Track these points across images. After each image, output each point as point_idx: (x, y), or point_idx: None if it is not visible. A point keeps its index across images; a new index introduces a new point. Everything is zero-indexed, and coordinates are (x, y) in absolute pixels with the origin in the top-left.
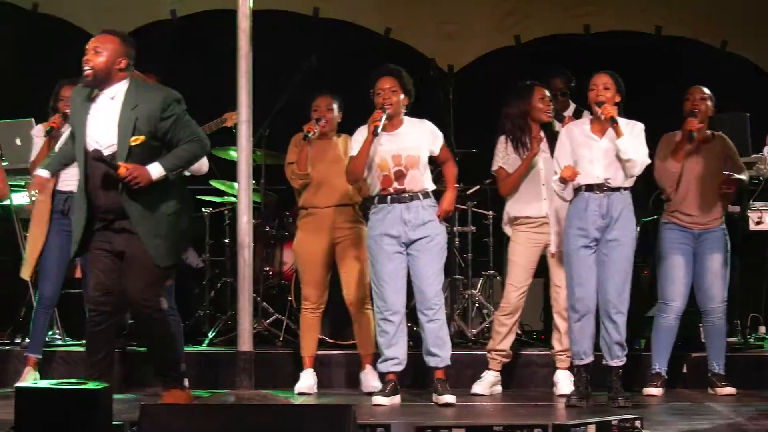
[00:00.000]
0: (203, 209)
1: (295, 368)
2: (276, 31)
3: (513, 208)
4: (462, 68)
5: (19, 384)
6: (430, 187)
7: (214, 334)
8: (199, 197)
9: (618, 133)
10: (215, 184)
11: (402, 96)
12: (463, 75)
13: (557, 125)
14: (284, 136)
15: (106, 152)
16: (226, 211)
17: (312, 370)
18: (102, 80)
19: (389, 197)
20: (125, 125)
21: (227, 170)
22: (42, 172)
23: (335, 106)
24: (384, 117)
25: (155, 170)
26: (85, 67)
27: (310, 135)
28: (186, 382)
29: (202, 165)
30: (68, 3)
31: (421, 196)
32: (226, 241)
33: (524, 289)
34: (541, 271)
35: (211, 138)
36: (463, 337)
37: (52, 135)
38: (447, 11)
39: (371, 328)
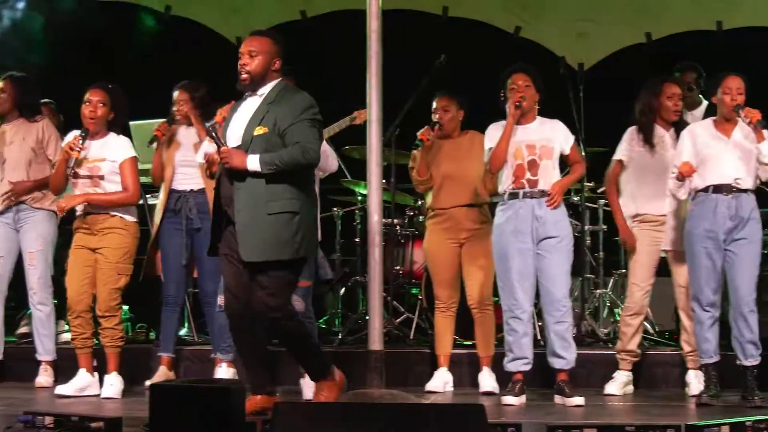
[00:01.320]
0: (334, 209)
1: (425, 367)
2: (405, 31)
3: (633, 205)
4: (592, 66)
5: (151, 381)
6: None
7: (345, 333)
8: (330, 197)
9: (760, 138)
10: (346, 183)
11: (534, 92)
12: (593, 73)
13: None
14: (414, 136)
15: (236, 142)
16: (356, 211)
17: (446, 368)
18: (258, 83)
19: (521, 192)
20: (256, 116)
21: (358, 170)
22: None
23: (454, 106)
24: (524, 97)
25: (252, 161)
26: (242, 72)
27: (420, 144)
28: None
29: (330, 164)
30: (198, 4)
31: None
32: (357, 240)
33: (648, 288)
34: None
35: (340, 137)
36: (595, 337)
37: (159, 142)
38: (577, 9)
39: (492, 329)
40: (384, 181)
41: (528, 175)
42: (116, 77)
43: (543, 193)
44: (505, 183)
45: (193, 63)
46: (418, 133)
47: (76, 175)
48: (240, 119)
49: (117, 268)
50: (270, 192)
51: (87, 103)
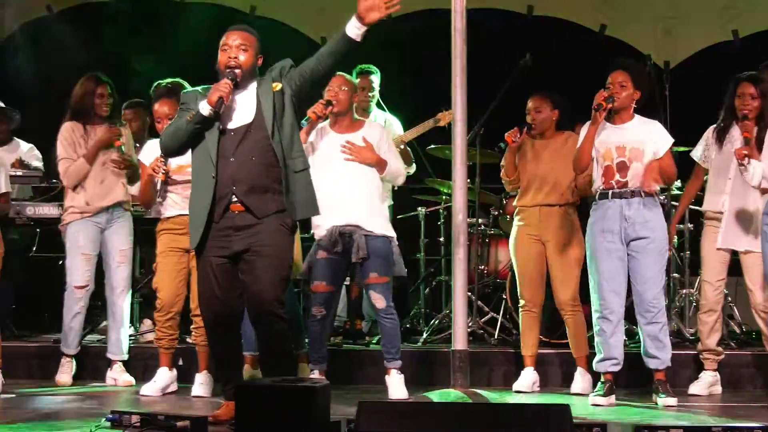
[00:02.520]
0: (419, 208)
1: (509, 367)
2: (490, 30)
3: (705, 203)
4: (678, 64)
5: None
6: (654, 186)
7: (429, 332)
8: (414, 196)
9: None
10: (430, 183)
11: (631, 91)
12: (679, 71)
13: None
14: (499, 135)
15: (238, 123)
16: (441, 210)
17: (533, 368)
18: (246, 78)
19: (610, 192)
20: (265, 96)
21: (442, 169)
22: None
23: (548, 106)
24: (611, 99)
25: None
26: (231, 64)
27: (504, 146)
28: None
29: (399, 176)
30: (282, 5)
31: (642, 194)
32: (441, 239)
33: (719, 285)
34: None
35: (425, 137)
36: (681, 337)
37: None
38: (663, 6)
39: (583, 329)
40: (468, 180)
41: (617, 176)
42: (194, 77)
43: (633, 194)
44: (595, 183)
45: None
46: (506, 135)
47: (173, 182)
48: (233, 104)
49: None
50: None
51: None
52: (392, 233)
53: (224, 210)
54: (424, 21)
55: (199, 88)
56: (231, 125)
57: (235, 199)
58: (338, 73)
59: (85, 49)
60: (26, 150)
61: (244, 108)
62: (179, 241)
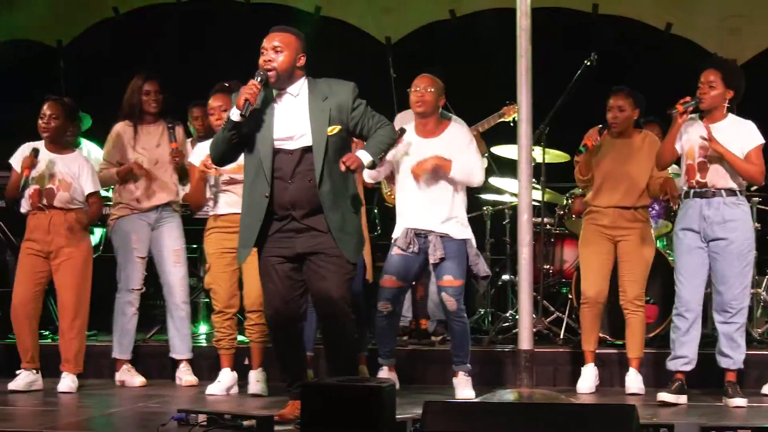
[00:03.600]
0: (483, 208)
1: (575, 366)
2: (555, 29)
3: None
4: (745, 63)
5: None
6: (738, 185)
7: (494, 332)
8: (478, 196)
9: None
10: (495, 182)
11: (721, 90)
12: (746, 70)
13: None
14: (564, 134)
15: (298, 143)
16: (506, 210)
17: (593, 364)
18: (284, 80)
19: (692, 192)
20: (319, 116)
21: (507, 168)
22: None
23: (630, 105)
24: (692, 102)
25: (365, 157)
26: (267, 67)
27: (584, 150)
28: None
29: (474, 176)
30: (347, 5)
31: (724, 193)
32: (506, 239)
33: None
34: None
35: (490, 136)
36: (748, 337)
37: None
38: (730, 5)
39: (642, 330)
40: (534, 180)
41: (698, 176)
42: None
43: (714, 193)
44: (680, 181)
45: (342, 63)
46: (586, 137)
47: (229, 181)
48: (286, 122)
49: None
50: (346, 188)
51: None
52: (468, 235)
53: (282, 226)
54: (489, 20)
55: None
56: (288, 145)
57: (294, 221)
58: (424, 73)
59: (150, 51)
60: (94, 153)
61: (298, 124)
62: (231, 241)
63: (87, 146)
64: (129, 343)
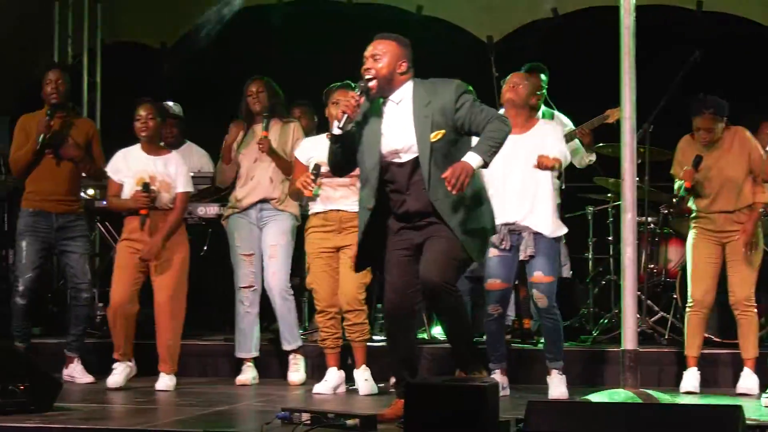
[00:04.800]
0: (586, 207)
1: (679, 367)
2: (659, 27)
3: None
4: None
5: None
6: None
7: (598, 332)
8: (581, 195)
9: None
10: (598, 181)
11: None
12: None
13: None
14: (668, 132)
15: (408, 154)
16: (609, 209)
17: (696, 368)
18: (385, 88)
19: None
20: (422, 123)
21: (610, 167)
22: None
23: (718, 122)
24: None
25: (473, 160)
26: (367, 76)
27: (684, 194)
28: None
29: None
30: (449, 4)
31: None
32: (610, 238)
33: None
34: None
35: (594, 135)
36: None
37: None
38: None
39: (755, 330)
40: (637, 178)
41: None
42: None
43: None
44: None
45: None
46: (684, 178)
47: (326, 174)
48: (392, 132)
49: None
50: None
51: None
52: (560, 233)
53: (404, 225)
54: (592, 18)
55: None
56: (397, 158)
57: (413, 227)
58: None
59: (252, 51)
60: (198, 155)
61: (404, 134)
62: (329, 240)
63: (192, 147)
64: (244, 342)
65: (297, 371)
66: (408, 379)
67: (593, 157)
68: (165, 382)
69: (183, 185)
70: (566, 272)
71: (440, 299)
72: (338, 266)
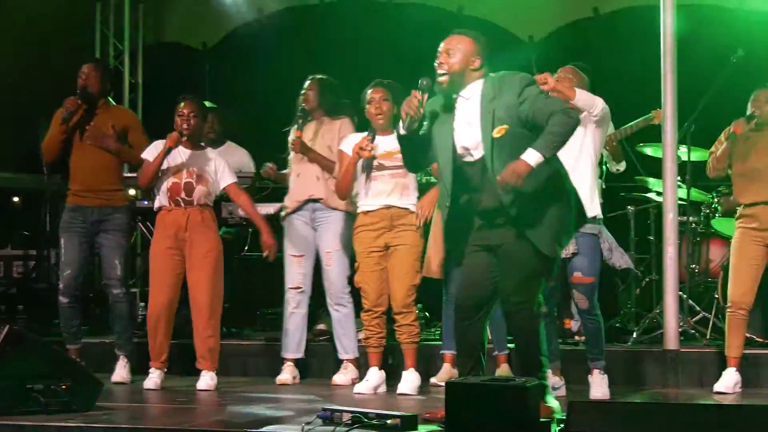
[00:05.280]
0: (628, 207)
1: (720, 367)
2: (699, 25)
3: None
4: None
5: (436, 380)
6: None
7: (639, 332)
8: (623, 194)
9: None
10: (640, 181)
11: None
12: None
13: None
14: (710, 132)
15: (477, 152)
16: (650, 209)
17: (735, 369)
18: (457, 82)
19: None
20: (485, 120)
21: (652, 167)
22: None
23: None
24: None
25: (531, 156)
26: (440, 71)
27: (732, 137)
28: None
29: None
30: (490, 3)
31: None
32: (651, 238)
33: None
34: None
35: (637, 134)
36: None
37: None
38: None
39: None
40: (679, 178)
41: None
42: (402, 77)
43: None
44: None
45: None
46: (734, 125)
47: (380, 167)
48: (462, 129)
49: (414, 265)
50: (538, 181)
51: (370, 103)
52: (598, 230)
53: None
54: (633, 18)
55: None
56: (468, 156)
57: (493, 224)
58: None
59: (291, 50)
60: (239, 154)
61: (473, 132)
62: (378, 239)
63: (232, 147)
64: (289, 342)
65: (344, 375)
66: (471, 374)
67: (621, 167)
68: (206, 380)
69: (229, 176)
70: (625, 261)
71: (513, 319)
72: (386, 265)
